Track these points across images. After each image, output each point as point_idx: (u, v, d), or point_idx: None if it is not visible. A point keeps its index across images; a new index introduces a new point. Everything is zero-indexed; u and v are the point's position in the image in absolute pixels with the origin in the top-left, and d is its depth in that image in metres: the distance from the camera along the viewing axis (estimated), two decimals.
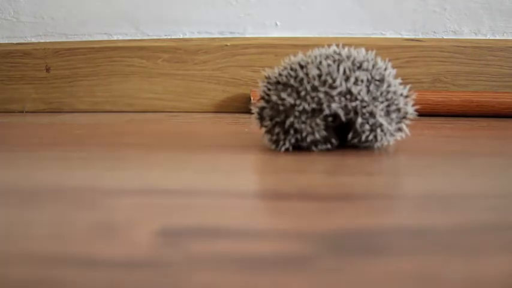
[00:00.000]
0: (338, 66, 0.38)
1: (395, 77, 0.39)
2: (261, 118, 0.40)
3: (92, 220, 0.24)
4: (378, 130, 0.38)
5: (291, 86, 0.38)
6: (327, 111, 0.37)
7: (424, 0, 0.70)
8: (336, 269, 0.18)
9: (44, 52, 0.74)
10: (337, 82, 0.37)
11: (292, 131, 0.38)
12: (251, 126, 0.52)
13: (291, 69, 0.39)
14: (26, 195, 0.29)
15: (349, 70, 0.38)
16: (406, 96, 0.39)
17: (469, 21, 0.70)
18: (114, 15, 0.74)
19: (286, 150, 0.39)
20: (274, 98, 0.38)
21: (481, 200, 0.27)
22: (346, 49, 0.40)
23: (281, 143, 0.39)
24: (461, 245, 0.20)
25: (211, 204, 0.26)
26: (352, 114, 0.37)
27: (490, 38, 0.70)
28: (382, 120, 0.38)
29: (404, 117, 0.39)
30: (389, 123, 0.38)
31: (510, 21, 0.70)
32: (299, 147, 0.39)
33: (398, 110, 0.39)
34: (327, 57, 0.38)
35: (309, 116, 0.37)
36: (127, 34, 0.74)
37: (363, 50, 0.40)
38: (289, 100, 0.37)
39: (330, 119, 0.38)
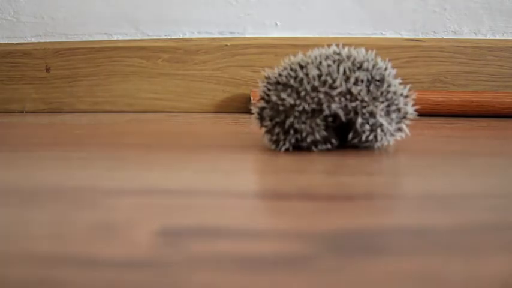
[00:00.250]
0: (338, 66, 0.38)
1: (396, 77, 0.39)
2: (261, 118, 0.40)
3: (92, 220, 0.24)
4: (378, 130, 0.38)
5: (291, 86, 0.38)
6: (327, 112, 0.37)
7: (424, 0, 0.70)
8: (336, 269, 0.18)
9: (44, 52, 0.74)
10: (337, 82, 0.37)
11: (292, 131, 0.38)
12: (251, 126, 0.52)
13: (291, 69, 0.39)
14: (26, 195, 0.29)
15: (349, 70, 0.38)
16: (406, 96, 0.39)
17: (469, 21, 0.70)
18: (114, 15, 0.74)
19: (286, 150, 0.39)
20: (274, 98, 0.38)
21: (481, 200, 0.27)
22: (346, 49, 0.40)
23: (281, 143, 0.39)
24: (461, 245, 0.20)
25: (211, 204, 0.26)
26: (352, 115, 0.37)
27: (490, 38, 0.70)
28: (382, 120, 0.38)
29: (404, 117, 0.39)
30: (390, 123, 0.38)
31: (510, 21, 0.70)
32: (299, 147, 0.39)
33: (399, 110, 0.39)
34: (327, 58, 0.38)
35: (309, 116, 0.37)
36: (127, 34, 0.74)
37: (363, 50, 0.40)
38: (289, 100, 0.37)
39: (330, 119, 0.38)
